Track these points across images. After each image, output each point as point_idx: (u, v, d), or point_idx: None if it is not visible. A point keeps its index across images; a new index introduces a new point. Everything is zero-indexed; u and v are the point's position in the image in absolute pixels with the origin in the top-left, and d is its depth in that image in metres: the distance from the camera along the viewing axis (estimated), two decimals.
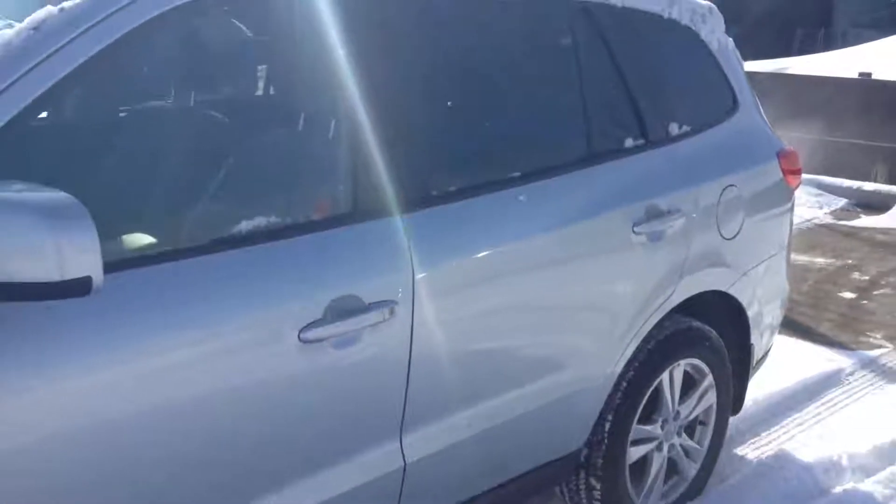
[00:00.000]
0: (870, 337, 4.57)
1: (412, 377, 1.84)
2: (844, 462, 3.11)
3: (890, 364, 4.19)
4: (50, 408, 1.35)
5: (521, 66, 2.22)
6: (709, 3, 2.87)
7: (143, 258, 1.45)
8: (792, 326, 4.57)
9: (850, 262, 5.99)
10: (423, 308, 1.82)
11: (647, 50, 2.52)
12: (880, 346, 4.43)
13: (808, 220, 7.09)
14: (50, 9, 1.44)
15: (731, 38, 2.91)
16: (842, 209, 7.64)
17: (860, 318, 4.87)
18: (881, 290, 5.39)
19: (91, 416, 1.39)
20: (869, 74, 12.45)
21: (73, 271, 1.18)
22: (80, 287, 1.19)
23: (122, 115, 1.59)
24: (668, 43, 2.64)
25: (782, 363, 3.89)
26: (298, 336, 1.62)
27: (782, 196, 2.93)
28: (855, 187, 7.97)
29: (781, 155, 2.93)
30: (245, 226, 1.59)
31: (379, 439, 1.84)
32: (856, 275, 5.70)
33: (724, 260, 2.67)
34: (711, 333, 2.73)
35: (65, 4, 1.45)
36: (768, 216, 2.87)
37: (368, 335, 1.73)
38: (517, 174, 2.11)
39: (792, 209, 3.01)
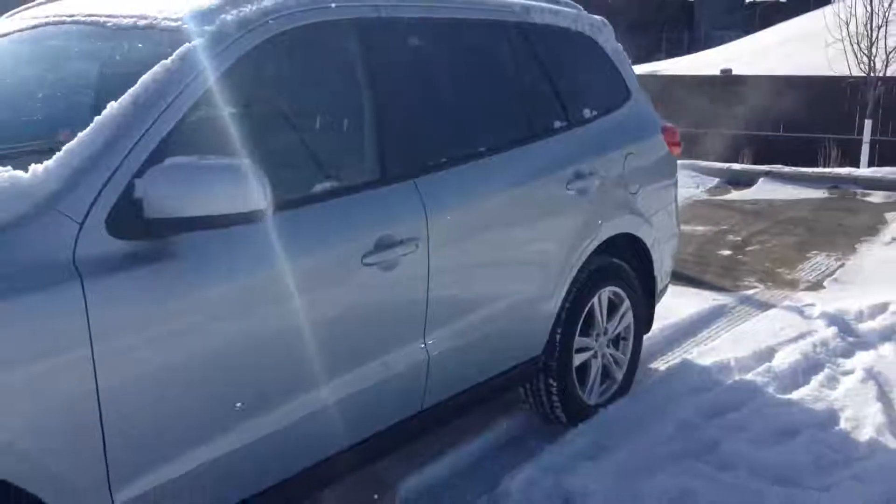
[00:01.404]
0: (745, 281, 5.59)
1: (430, 292, 2.59)
2: (732, 364, 4.03)
3: (762, 299, 5.19)
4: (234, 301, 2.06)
5: (480, 74, 3.03)
6: (601, 17, 3.75)
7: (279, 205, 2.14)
8: (684, 278, 5.54)
9: (724, 227, 7.07)
10: (435, 243, 2.58)
11: (563, 54, 3.37)
12: (754, 287, 5.45)
13: (688, 198, 8.17)
14: (188, 45, 2.13)
15: (619, 43, 3.80)
16: (715, 187, 8.80)
17: (736, 269, 5.90)
18: (752, 247, 6.47)
19: (265, 303, 2.12)
20: (729, 71, 13.95)
21: (253, 206, 1.89)
22: (257, 216, 1.91)
23: (242, 115, 2.28)
24: (577, 49, 3.50)
25: (679, 305, 4.83)
26: (361, 261, 2.36)
27: (668, 161, 3.84)
28: (725, 168, 9.16)
29: (664, 130, 3.84)
30: (320, 188, 2.32)
31: (412, 336, 2.58)
32: (730, 237, 6.77)
33: (631, 210, 3.54)
34: (626, 267, 3.59)
35: (196, 42, 2.15)
36: (659, 176, 3.77)
37: (403, 262, 2.48)
38: (484, 149, 2.91)
39: (675, 171, 3.92)
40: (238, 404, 2.12)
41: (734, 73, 13.47)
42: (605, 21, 3.73)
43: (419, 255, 2.53)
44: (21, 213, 1.79)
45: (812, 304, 4.92)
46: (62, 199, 1.83)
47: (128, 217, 1.88)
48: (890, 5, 10.88)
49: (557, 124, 3.25)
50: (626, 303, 3.63)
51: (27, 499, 1.75)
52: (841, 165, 10.03)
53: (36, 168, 1.85)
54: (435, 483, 3.04)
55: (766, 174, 8.88)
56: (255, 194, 1.90)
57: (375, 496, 2.86)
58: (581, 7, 3.70)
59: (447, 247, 2.65)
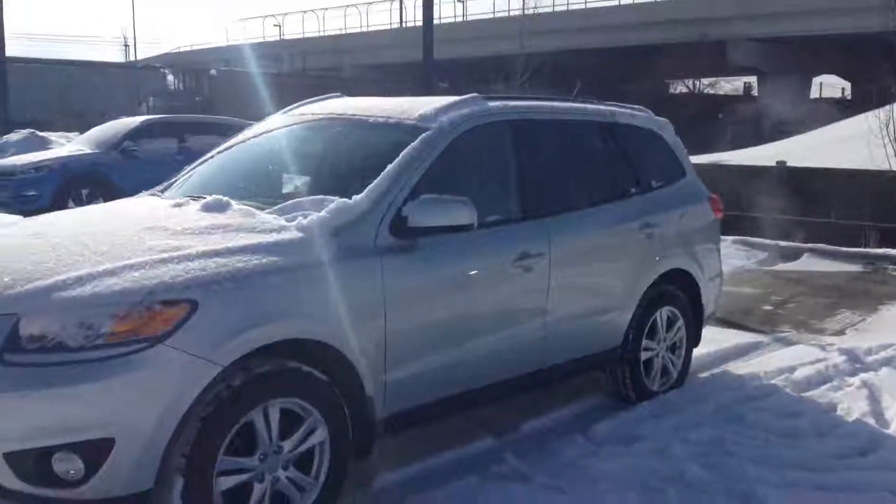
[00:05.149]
0: (780, 327, 6.93)
1: (550, 288, 4.11)
2: (761, 374, 5.39)
3: (792, 339, 6.52)
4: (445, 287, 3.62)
5: (585, 154, 4.64)
6: (665, 119, 5.32)
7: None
8: (731, 324, 6.89)
9: (769, 290, 8.41)
10: (554, 258, 4.11)
11: (639, 145, 4.95)
12: (786, 332, 6.78)
13: (739, 267, 9.54)
14: (424, 134, 3.75)
15: (678, 137, 5.35)
16: (764, 259, 10.14)
17: (775, 318, 7.25)
18: (789, 305, 7.81)
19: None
20: (784, 163, 15.32)
21: (468, 220, 3.47)
22: (468, 228, 3.48)
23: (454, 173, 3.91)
24: (648, 141, 5.08)
25: (724, 339, 6.21)
26: (512, 264, 3.91)
27: (712, 221, 5.35)
28: (774, 244, 10.49)
29: (710, 199, 5.35)
30: (492, 218, 3.90)
31: (538, 314, 4.10)
32: (773, 297, 8.11)
33: (683, 251, 5.03)
34: (680, 293, 5.05)
35: (427, 133, 3.77)
36: (705, 230, 5.27)
37: (535, 266, 4.01)
38: (586, 204, 4.47)
39: (718, 228, 5.42)
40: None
41: (788, 164, 14.84)
42: (667, 121, 5.30)
43: (544, 264, 4.07)
44: (349, 220, 3.39)
45: (832, 343, 6.23)
46: (368, 214, 3.44)
47: (399, 225, 3.47)
48: None
49: (633, 190, 4.81)
50: (680, 321, 5.07)
51: (345, 361, 3.27)
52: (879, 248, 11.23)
53: (355, 197, 3.47)
54: (547, 427, 4.50)
55: (810, 250, 10.18)
56: (470, 216, 3.49)
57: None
58: (651, 111, 5.29)
59: (561, 261, 4.18)
